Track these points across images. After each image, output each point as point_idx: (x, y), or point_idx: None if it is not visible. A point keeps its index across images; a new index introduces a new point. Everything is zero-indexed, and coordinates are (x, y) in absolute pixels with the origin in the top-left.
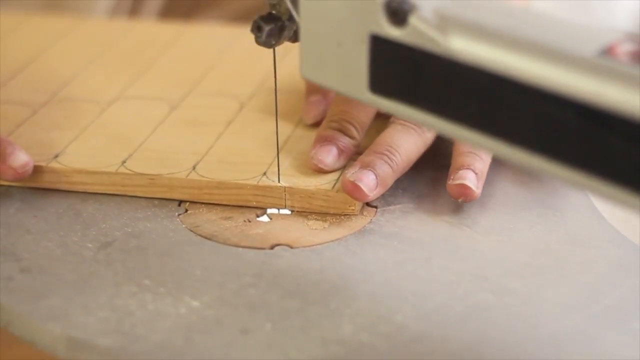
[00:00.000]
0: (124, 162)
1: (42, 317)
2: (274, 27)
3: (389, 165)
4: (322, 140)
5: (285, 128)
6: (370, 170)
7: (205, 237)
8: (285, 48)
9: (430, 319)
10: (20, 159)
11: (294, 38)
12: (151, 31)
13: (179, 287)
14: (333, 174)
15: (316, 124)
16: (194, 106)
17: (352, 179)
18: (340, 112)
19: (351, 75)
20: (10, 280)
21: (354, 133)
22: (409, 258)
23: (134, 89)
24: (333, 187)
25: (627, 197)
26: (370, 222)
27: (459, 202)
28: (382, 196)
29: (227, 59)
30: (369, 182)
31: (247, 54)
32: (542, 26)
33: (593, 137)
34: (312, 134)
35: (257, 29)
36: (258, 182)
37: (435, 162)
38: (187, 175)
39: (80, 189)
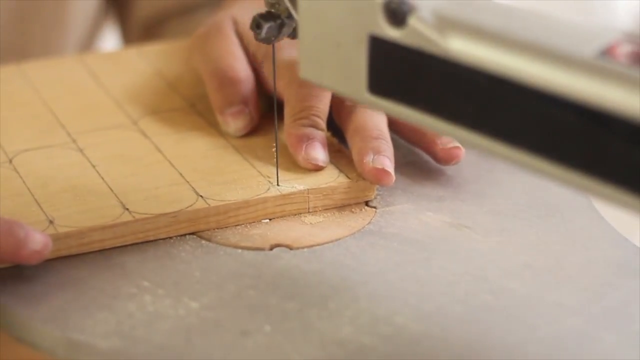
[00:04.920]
0: (126, 208)
1: (41, 319)
2: (273, 24)
3: (389, 147)
4: (304, 140)
5: (216, 142)
6: (384, 154)
7: (205, 238)
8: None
9: (430, 320)
10: (38, 238)
11: (293, 35)
12: None
13: (178, 288)
14: (329, 167)
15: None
16: (98, 145)
17: (379, 166)
18: (307, 107)
19: (350, 76)
20: (10, 282)
21: (323, 125)
22: (408, 259)
23: (8, 145)
24: (346, 177)
25: (627, 199)
26: (370, 222)
27: (459, 200)
28: (382, 196)
29: (47, 96)
30: (390, 165)
31: (57, 86)
32: (542, 26)
33: (592, 138)
34: (253, 141)
35: (256, 26)
36: (282, 191)
37: (435, 163)
38: (208, 204)
39: (97, 248)
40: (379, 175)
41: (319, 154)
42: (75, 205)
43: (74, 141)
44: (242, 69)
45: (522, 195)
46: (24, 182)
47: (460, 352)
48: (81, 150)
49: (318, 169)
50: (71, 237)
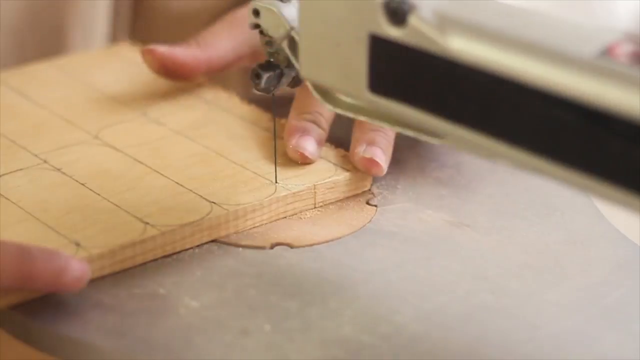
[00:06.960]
0: (146, 223)
1: (41, 319)
2: (273, 74)
3: (386, 139)
4: (300, 131)
5: (191, 148)
6: (376, 146)
7: None
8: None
9: (430, 320)
10: (76, 265)
11: (293, 84)
12: None
13: (179, 287)
14: (323, 162)
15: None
16: (73, 162)
17: (367, 156)
18: (311, 104)
19: (351, 75)
20: None
21: (325, 125)
22: (408, 258)
23: None
24: (344, 169)
25: (627, 199)
26: (370, 221)
27: (459, 199)
28: (382, 195)
29: None
30: (381, 156)
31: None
32: (542, 26)
33: (592, 138)
34: (228, 144)
35: (255, 77)
36: (291, 190)
37: (435, 162)
38: (226, 209)
39: (129, 265)
40: (367, 165)
41: (310, 146)
42: (91, 226)
43: (45, 161)
44: None
45: (522, 194)
46: (20, 207)
47: (460, 352)
48: (59, 170)
49: (304, 160)
50: (104, 257)
